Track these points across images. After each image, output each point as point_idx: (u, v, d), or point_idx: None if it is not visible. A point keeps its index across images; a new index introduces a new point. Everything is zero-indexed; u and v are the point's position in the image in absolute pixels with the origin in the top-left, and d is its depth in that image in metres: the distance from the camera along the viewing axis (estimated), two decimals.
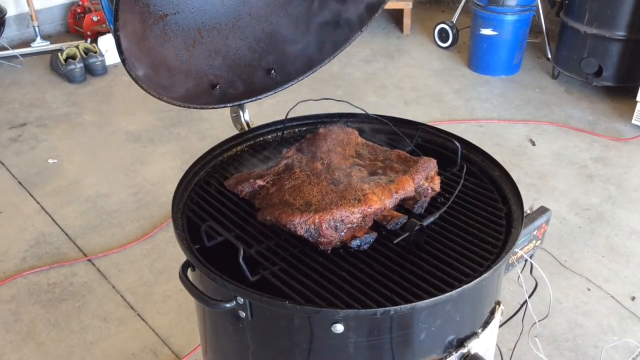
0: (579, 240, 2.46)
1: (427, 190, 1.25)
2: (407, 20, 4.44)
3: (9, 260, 2.37)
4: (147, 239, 2.47)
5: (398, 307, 0.93)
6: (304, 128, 1.54)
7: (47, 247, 2.44)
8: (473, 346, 1.10)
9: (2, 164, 3.00)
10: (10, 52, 4.05)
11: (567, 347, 1.99)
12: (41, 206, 2.69)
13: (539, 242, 1.38)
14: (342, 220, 1.12)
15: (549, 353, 1.95)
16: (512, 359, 1.80)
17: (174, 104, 1.24)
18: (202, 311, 1.21)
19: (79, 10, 4.42)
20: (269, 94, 1.45)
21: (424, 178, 1.25)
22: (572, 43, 3.50)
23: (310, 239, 1.11)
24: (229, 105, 1.43)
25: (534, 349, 1.78)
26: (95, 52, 3.88)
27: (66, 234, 2.51)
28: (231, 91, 1.41)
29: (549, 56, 4.00)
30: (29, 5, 4.08)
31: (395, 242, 1.09)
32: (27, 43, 4.26)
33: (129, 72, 1.08)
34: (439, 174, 1.30)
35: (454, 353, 1.08)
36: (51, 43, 4.24)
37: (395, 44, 4.35)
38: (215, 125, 3.27)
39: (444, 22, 4.17)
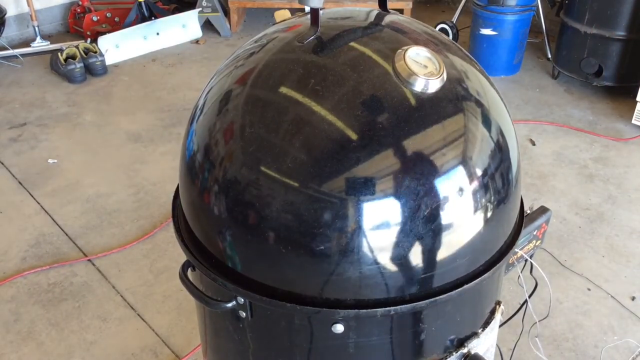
0: (579, 240, 2.46)
1: None
2: None
3: (9, 260, 2.37)
4: (147, 239, 2.47)
5: (398, 308, 0.93)
6: None
7: (47, 247, 2.44)
8: (473, 346, 1.10)
9: (2, 163, 3.00)
10: (10, 52, 4.05)
11: (567, 347, 1.99)
12: (41, 206, 2.69)
13: (539, 242, 1.38)
14: None
15: (549, 353, 1.95)
16: (512, 359, 1.80)
17: None
18: (202, 311, 1.21)
19: (79, 10, 4.42)
20: None
21: None
22: (572, 43, 3.50)
23: None
24: None
25: (534, 349, 1.78)
26: (95, 52, 3.88)
27: (66, 234, 2.51)
28: None
29: (549, 56, 4.00)
30: (28, 5, 4.08)
31: None
32: (27, 43, 4.26)
33: None
34: None
35: (454, 353, 1.08)
36: (51, 43, 4.24)
37: None
38: None
39: (444, 22, 4.17)
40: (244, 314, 1.02)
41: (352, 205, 0.87)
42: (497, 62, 3.79)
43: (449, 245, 0.93)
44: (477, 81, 1.03)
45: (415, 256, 0.90)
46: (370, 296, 0.93)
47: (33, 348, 2.00)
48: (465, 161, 0.92)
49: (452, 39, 4.58)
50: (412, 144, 0.89)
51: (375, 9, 1.11)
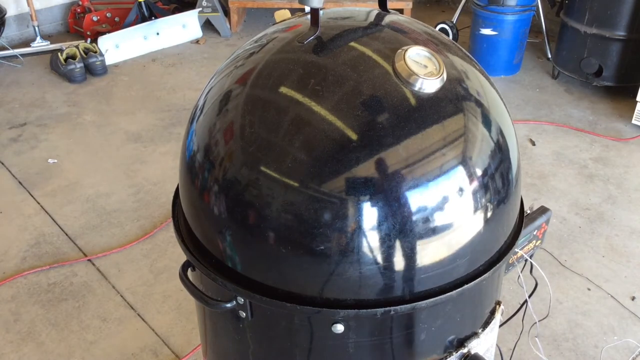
0: (579, 240, 2.46)
1: None
2: None
3: (9, 260, 2.37)
4: (147, 239, 2.47)
5: (398, 307, 0.93)
6: None
7: (47, 247, 2.44)
8: (473, 346, 1.10)
9: (2, 163, 3.00)
10: (10, 52, 4.05)
11: (567, 347, 1.99)
12: (41, 206, 2.69)
13: (539, 242, 1.38)
14: None
15: (549, 353, 1.95)
16: (512, 359, 1.80)
17: None
18: (202, 311, 1.21)
19: (79, 10, 4.42)
20: None
21: None
22: (572, 43, 3.50)
23: None
24: None
25: (534, 349, 1.78)
26: (95, 52, 3.88)
27: (66, 234, 2.51)
28: None
29: (549, 56, 4.00)
30: (28, 5, 4.08)
31: None
32: (27, 43, 4.26)
33: None
34: None
35: (454, 353, 1.08)
36: (51, 43, 4.24)
37: None
38: None
39: (444, 22, 4.17)
40: (244, 314, 1.02)
41: (352, 205, 0.86)
42: (497, 62, 3.79)
43: (449, 245, 0.93)
44: (477, 81, 1.03)
45: (415, 256, 0.90)
46: (370, 296, 0.93)
47: (33, 348, 2.00)
48: (465, 161, 0.92)
49: (452, 39, 4.57)
50: (412, 144, 0.89)
51: (375, 9, 1.11)
